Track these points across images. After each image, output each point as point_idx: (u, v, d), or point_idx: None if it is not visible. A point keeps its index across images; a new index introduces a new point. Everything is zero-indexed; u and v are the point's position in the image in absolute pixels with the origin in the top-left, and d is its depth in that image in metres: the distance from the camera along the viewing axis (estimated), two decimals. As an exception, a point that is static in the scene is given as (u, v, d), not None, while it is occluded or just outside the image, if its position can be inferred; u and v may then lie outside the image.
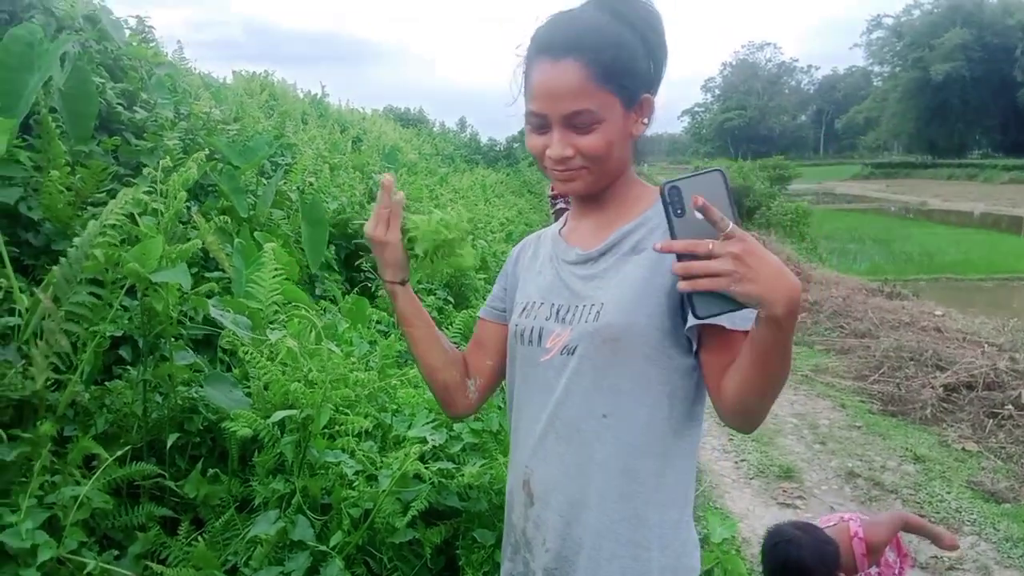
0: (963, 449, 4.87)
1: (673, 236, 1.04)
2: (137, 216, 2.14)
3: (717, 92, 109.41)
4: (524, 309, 1.39)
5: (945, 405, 5.63)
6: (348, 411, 2.09)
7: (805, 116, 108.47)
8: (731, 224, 1.00)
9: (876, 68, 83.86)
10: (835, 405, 5.75)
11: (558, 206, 7.75)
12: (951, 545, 2.33)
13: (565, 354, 1.28)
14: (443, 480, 1.91)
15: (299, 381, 1.89)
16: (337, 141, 7.67)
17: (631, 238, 1.30)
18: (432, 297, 4.28)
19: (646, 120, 1.29)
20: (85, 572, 1.67)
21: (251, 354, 1.99)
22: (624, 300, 1.25)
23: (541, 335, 1.33)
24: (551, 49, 1.22)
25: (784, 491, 4.27)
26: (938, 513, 3.99)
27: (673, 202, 1.04)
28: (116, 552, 1.82)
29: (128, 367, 2.36)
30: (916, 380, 6.11)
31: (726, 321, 1.15)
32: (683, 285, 1.03)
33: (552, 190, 8.32)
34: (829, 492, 4.29)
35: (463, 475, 1.86)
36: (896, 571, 2.35)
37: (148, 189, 2.22)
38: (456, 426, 2.08)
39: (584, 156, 1.24)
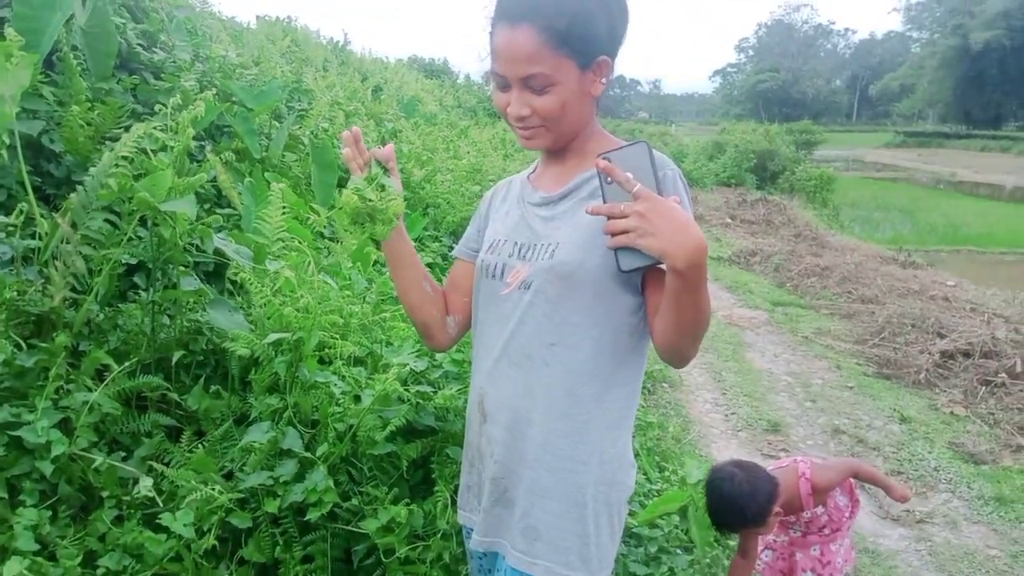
0: (951, 413, 4.97)
1: (604, 201, 1.22)
2: (151, 152, 2.29)
3: (751, 52, 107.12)
4: (491, 246, 1.52)
5: (940, 371, 5.70)
6: (340, 339, 2.25)
7: (840, 81, 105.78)
8: (638, 185, 1.17)
9: (914, 34, 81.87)
10: (831, 366, 5.85)
11: None
12: (902, 496, 2.45)
13: (522, 288, 1.40)
14: (420, 401, 2.08)
15: (292, 307, 2.05)
16: (356, 89, 7.76)
17: (589, 184, 1.41)
18: (437, 244, 4.42)
19: (604, 80, 1.38)
20: (93, 467, 1.86)
21: (251, 282, 2.14)
22: (578, 240, 1.37)
23: (504, 270, 1.45)
24: (509, 14, 1.31)
25: (769, 443, 4.42)
26: (916, 471, 4.11)
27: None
28: (123, 454, 2.00)
29: (142, 292, 2.53)
30: (915, 346, 6.17)
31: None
32: (607, 241, 1.20)
33: None
34: (814, 447, 4.41)
35: (438, 397, 2.03)
36: (846, 515, 2.49)
37: (162, 127, 2.36)
38: (438, 355, 2.24)
39: (540, 116, 1.35)
